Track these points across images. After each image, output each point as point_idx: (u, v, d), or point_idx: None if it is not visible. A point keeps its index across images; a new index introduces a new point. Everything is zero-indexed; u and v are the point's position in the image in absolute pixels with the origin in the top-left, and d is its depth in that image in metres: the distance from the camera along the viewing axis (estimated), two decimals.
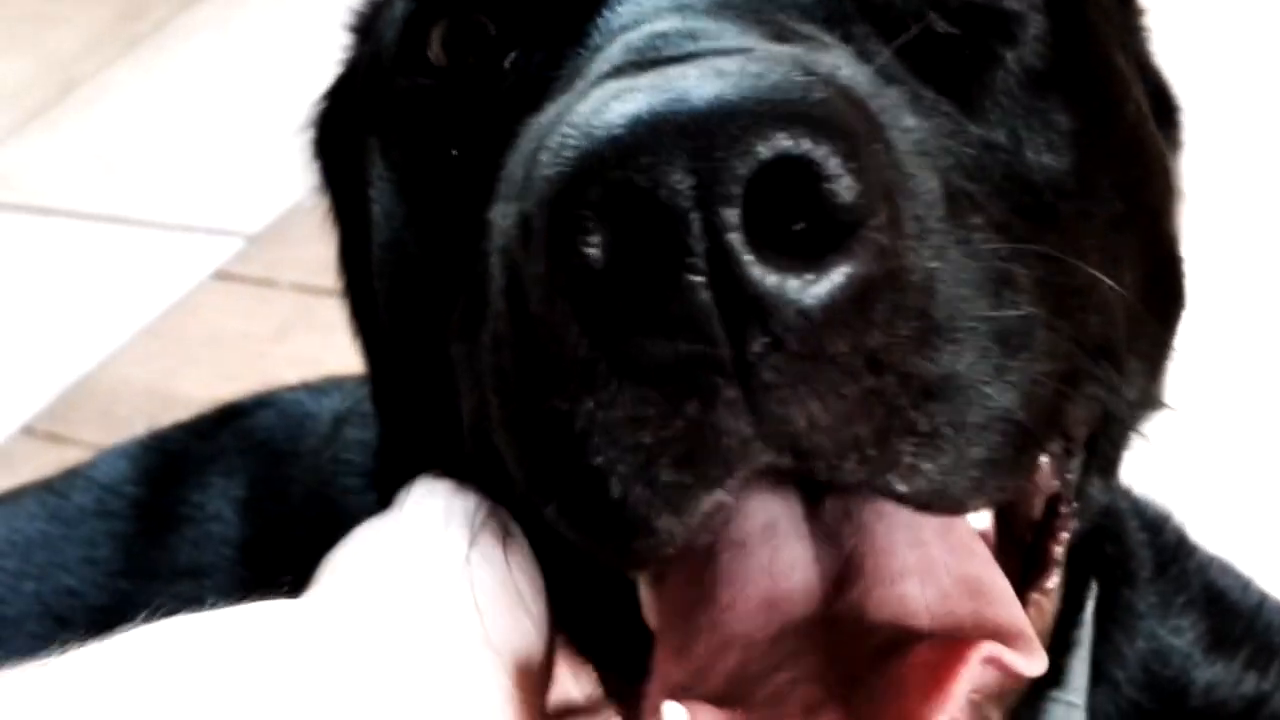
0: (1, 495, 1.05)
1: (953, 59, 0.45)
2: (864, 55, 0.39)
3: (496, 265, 0.36)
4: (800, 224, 0.31)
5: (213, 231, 1.92)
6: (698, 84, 0.30)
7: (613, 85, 0.32)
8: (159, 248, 1.92)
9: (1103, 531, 0.63)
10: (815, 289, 0.31)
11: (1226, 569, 0.72)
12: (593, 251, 0.31)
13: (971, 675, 0.37)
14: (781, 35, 0.36)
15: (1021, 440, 0.38)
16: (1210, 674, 0.65)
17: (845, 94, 0.32)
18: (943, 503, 0.37)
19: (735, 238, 0.30)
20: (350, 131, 0.59)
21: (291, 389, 0.98)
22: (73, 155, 2.19)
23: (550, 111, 0.35)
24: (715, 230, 0.30)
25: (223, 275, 1.83)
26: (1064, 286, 0.42)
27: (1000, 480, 0.39)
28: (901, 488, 0.36)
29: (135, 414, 1.66)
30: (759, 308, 0.30)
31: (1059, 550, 0.48)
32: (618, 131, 0.30)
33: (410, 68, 0.49)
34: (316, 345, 1.65)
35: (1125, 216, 0.49)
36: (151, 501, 0.95)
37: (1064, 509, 0.48)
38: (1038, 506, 0.47)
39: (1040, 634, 0.43)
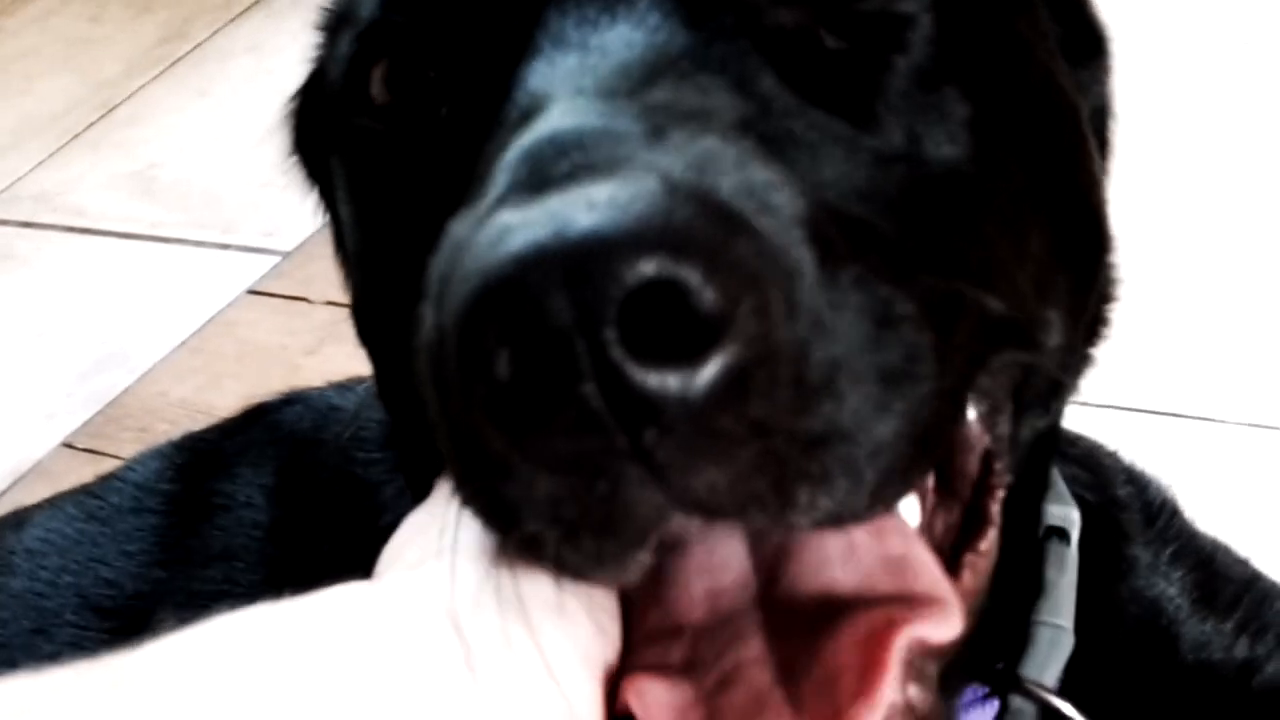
0: (40, 502, 1.08)
1: (843, 72, 0.47)
2: (750, 95, 0.43)
3: (422, 360, 0.40)
4: (673, 330, 0.34)
5: (248, 249, 1.94)
6: (575, 218, 0.34)
7: (505, 216, 0.36)
8: (196, 265, 1.95)
9: (1078, 480, 0.65)
10: (694, 381, 0.35)
11: (1220, 543, 0.73)
12: (498, 368, 0.35)
13: (898, 658, 0.41)
14: (661, 124, 0.39)
15: (915, 451, 0.41)
16: (1199, 631, 0.66)
17: (708, 206, 0.36)
18: (849, 519, 0.40)
19: (616, 351, 0.34)
20: (321, 130, 0.62)
21: (317, 388, 1.01)
22: (112, 174, 2.23)
23: (461, 228, 0.39)
24: (599, 346, 0.34)
25: (258, 291, 1.85)
26: (957, 299, 0.44)
27: (901, 485, 0.41)
28: (805, 520, 0.39)
29: (173, 428, 1.68)
30: (645, 404, 0.35)
31: (995, 509, 0.50)
32: (509, 270, 0.34)
33: (355, 106, 0.52)
34: (349, 359, 1.65)
35: (1032, 184, 0.51)
36: (184, 495, 0.98)
37: (997, 465, 0.50)
38: (972, 463, 0.49)
39: (974, 591, 0.47)
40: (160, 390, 1.73)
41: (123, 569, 0.95)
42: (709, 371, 0.35)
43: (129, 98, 2.42)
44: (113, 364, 1.80)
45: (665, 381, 0.35)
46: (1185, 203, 1.41)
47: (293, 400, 1.00)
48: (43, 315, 1.96)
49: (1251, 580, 0.71)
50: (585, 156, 0.38)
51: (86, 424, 1.72)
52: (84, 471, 1.56)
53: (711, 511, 0.38)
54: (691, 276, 0.34)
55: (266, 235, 1.95)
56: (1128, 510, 0.69)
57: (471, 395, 0.36)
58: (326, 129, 0.59)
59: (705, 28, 0.45)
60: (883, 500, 0.40)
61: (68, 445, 1.70)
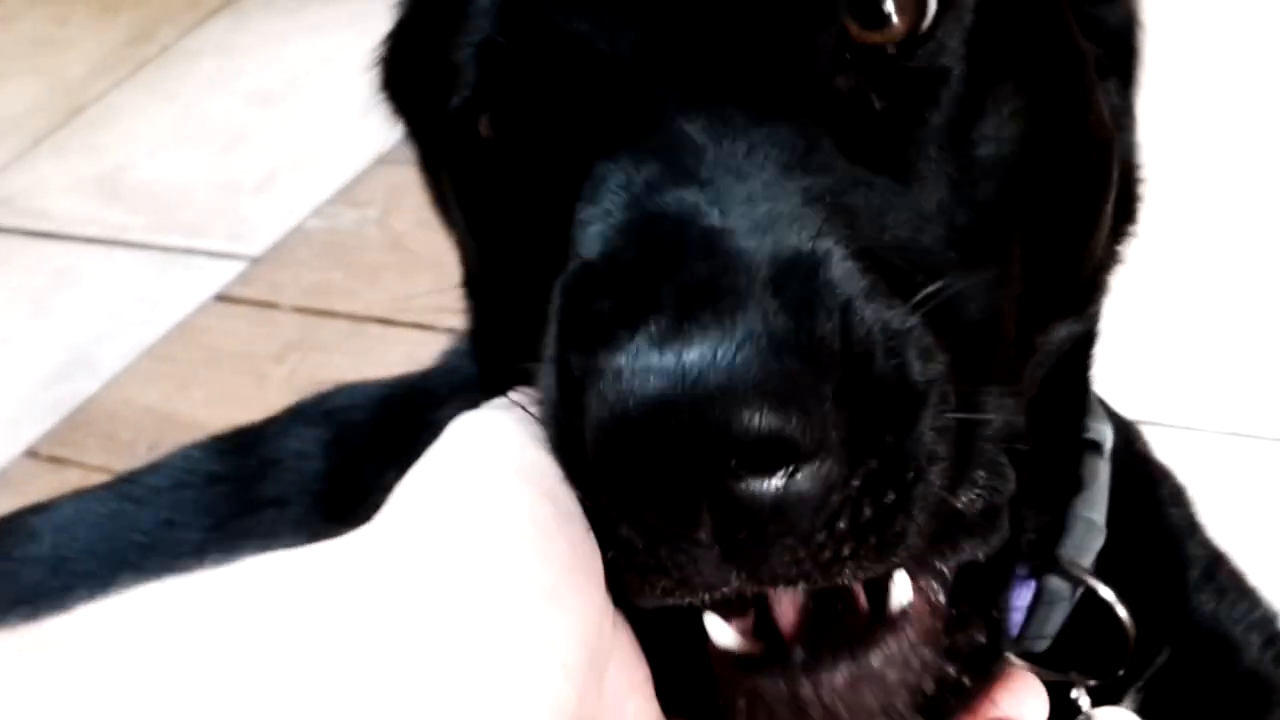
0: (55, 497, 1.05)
1: (885, 131, 0.50)
2: (816, 168, 0.47)
3: (545, 408, 0.46)
4: (772, 458, 0.40)
5: (215, 254, 1.93)
6: (701, 379, 0.40)
7: (632, 359, 0.42)
8: (162, 270, 1.93)
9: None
10: (782, 491, 0.41)
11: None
12: (623, 484, 0.42)
13: None
14: (773, 251, 0.44)
15: (980, 537, 0.48)
16: (1200, 553, 0.74)
17: (806, 362, 0.41)
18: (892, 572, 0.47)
19: (721, 475, 0.41)
20: (413, 82, 0.65)
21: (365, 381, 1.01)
22: (78, 178, 2.21)
23: (583, 336, 0.45)
24: (710, 472, 0.41)
25: (224, 297, 1.83)
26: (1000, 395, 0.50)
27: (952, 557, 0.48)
28: (848, 579, 0.45)
29: (138, 436, 1.67)
30: (739, 508, 0.41)
31: None
32: (642, 420, 0.41)
33: (465, 141, 0.56)
34: (317, 366, 1.65)
35: (1060, 214, 0.55)
36: (231, 469, 0.97)
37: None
38: None
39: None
40: (125, 398, 1.72)
41: (162, 536, 0.94)
42: (795, 482, 0.41)
43: (95, 100, 2.40)
44: (77, 370, 1.78)
45: (758, 489, 0.41)
46: (1166, 214, 1.41)
47: (338, 389, 1.00)
48: (5, 321, 1.94)
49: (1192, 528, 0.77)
50: (700, 291, 0.43)
51: (51, 432, 1.70)
52: (48, 480, 1.55)
53: (772, 582, 0.43)
54: (791, 429, 0.40)
55: (234, 240, 1.93)
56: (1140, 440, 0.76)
57: (591, 479, 0.43)
58: (436, 150, 0.63)
59: (771, 114, 0.48)
60: (934, 568, 0.47)
61: (31, 453, 1.68)
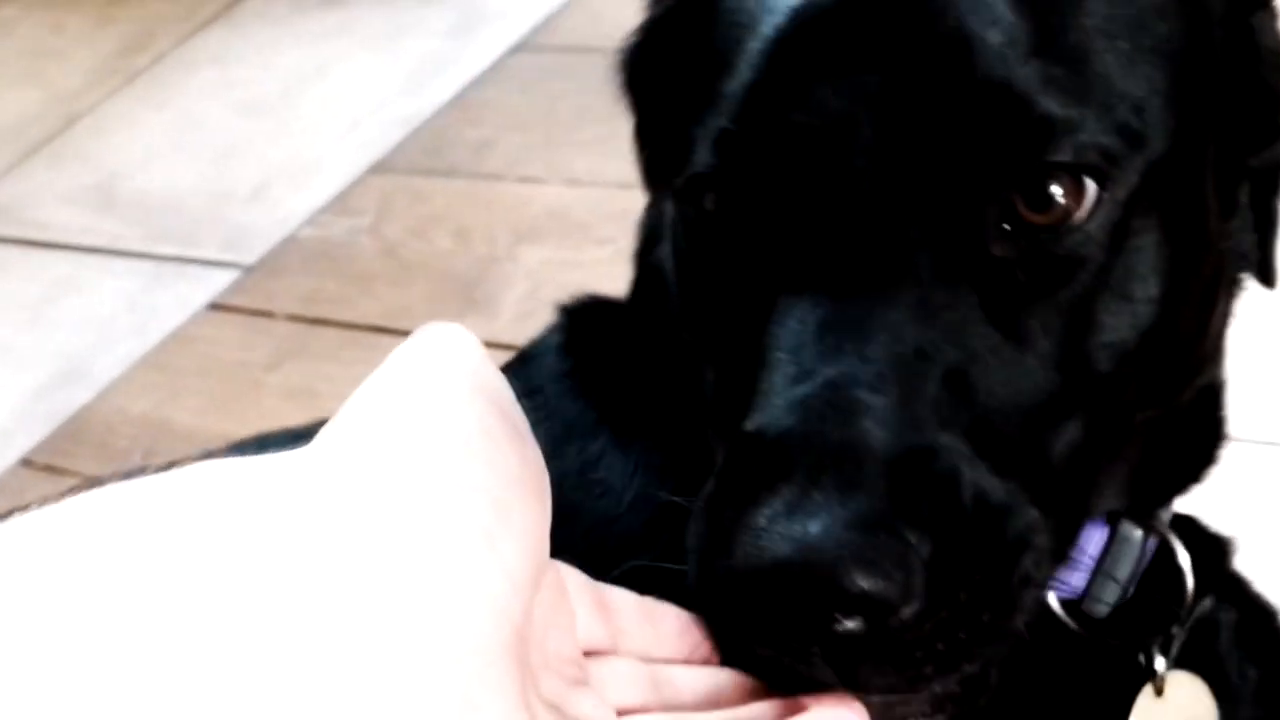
0: None
1: (1023, 302, 0.56)
2: (966, 337, 0.55)
3: (695, 540, 0.55)
4: (867, 610, 0.49)
5: (209, 262, 1.93)
6: (820, 550, 0.49)
7: (766, 520, 0.50)
8: (156, 278, 1.94)
9: None
10: (871, 633, 0.50)
11: None
12: (748, 616, 0.51)
13: None
14: (902, 439, 0.52)
15: None
16: None
17: (900, 522, 0.50)
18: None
19: (827, 621, 0.49)
20: (655, 75, 0.70)
21: None
22: (73, 187, 2.21)
23: (733, 493, 0.53)
24: (818, 619, 0.49)
25: (218, 306, 1.84)
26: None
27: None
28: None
29: (133, 445, 1.67)
30: (840, 643, 0.50)
31: None
32: (765, 575, 0.49)
33: (691, 202, 0.61)
34: (310, 375, 1.66)
35: (1168, 362, 0.62)
36: None
37: None
38: None
39: None
40: (119, 406, 1.72)
41: None
42: (882, 631, 0.49)
43: (90, 110, 2.40)
44: (72, 379, 1.79)
45: (854, 636, 0.49)
46: None
47: None
48: (0, 330, 1.94)
49: None
50: (828, 468, 0.51)
51: (45, 440, 1.71)
52: (43, 489, 1.55)
53: (868, 692, 0.52)
54: (878, 587, 0.49)
55: (228, 249, 1.94)
56: None
57: (728, 605, 0.52)
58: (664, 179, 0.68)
59: (943, 272, 0.55)
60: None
61: (26, 462, 1.69)
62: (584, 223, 1.72)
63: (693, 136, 0.59)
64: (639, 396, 0.73)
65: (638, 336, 0.74)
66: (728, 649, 0.53)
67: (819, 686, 0.52)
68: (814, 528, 0.49)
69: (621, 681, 0.49)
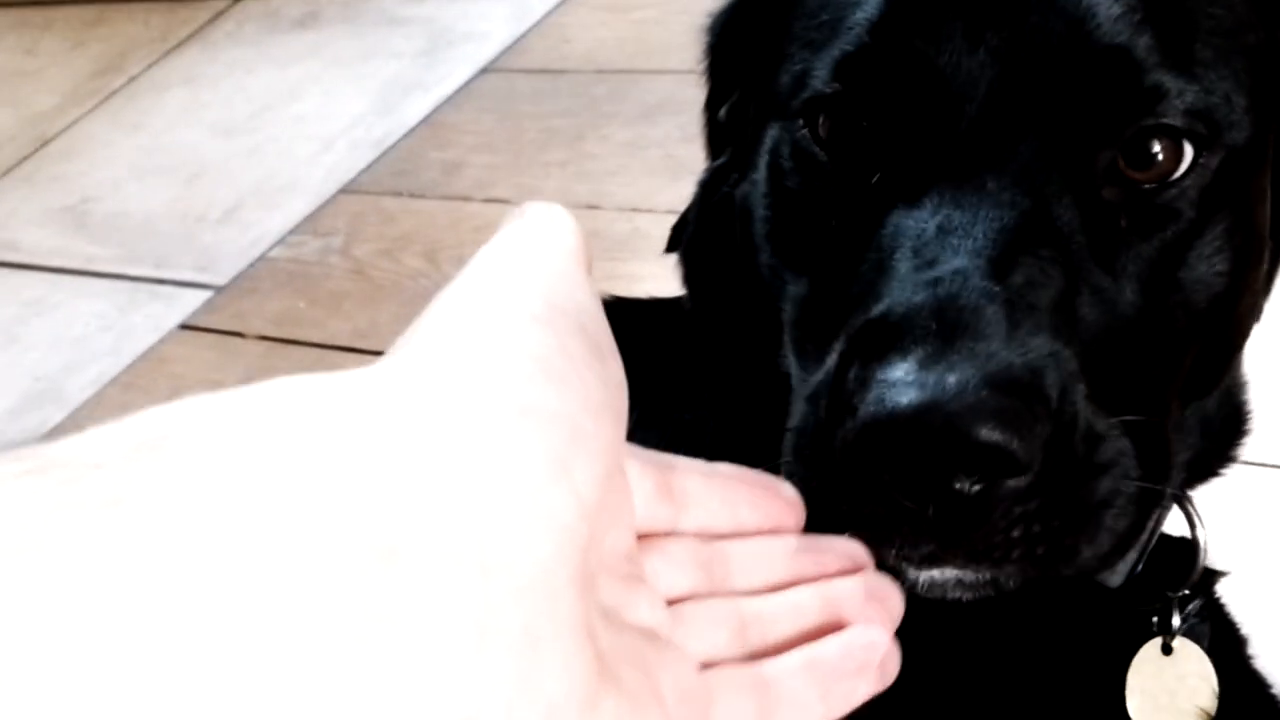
0: None
1: (1122, 246, 0.61)
2: (1069, 265, 0.59)
3: (808, 401, 0.58)
4: (992, 466, 0.51)
5: (180, 284, 1.95)
6: (942, 400, 0.51)
7: (895, 374, 0.52)
8: (128, 300, 1.95)
9: None
10: (995, 493, 0.52)
11: None
12: (875, 456, 0.53)
13: None
14: (1009, 314, 0.55)
15: (1134, 529, 0.58)
16: None
17: (1028, 397, 0.53)
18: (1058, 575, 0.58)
19: (953, 472, 0.52)
20: (749, 46, 0.75)
21: None
22: (45, 209, 2.22)
23: (857, 354, 0.56)
24: (946, 468, 0.51)
25: (190, 326, 1.85)
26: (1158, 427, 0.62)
27: (1114, 555, 0.59)
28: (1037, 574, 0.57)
29: None
30: (956, 498, 0.52)
31: None
32: (896, 425, 0.51)
33: (803, 124, 0.66)
34: None
35: (1225, 323, 0.67)
36: None
37: None
38: None
39: None
40: (92, 427, 1.73)
41: None
42: (1004, 488, 0.52)
43: (63, 131, 2.41)
44: (45, 400, 1.80)
45: (974, 491, 0.51)
46: None
47: None
48: None
49: None
50: (965, 334, 0.54)
51: None
52: None
53: (955, 559, 0.55)
54: (1013, 446, 0.51)
55: (199, 270, 1.95)
56: None
57: (851, 458, 0.54)
58: (769, 101, 0.71)
59: (1054, 199, 0.59)
60: (1102, 564, 0.58)
61: None
62: None
63: (810, 66, 0.65)
64: (677, 382, 0.76)
65: (669, 329, 0.78)
66: (825, 516, 0.53)
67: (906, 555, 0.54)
68: (951, 378, 0.51)
69: (672, 567, 0.48)
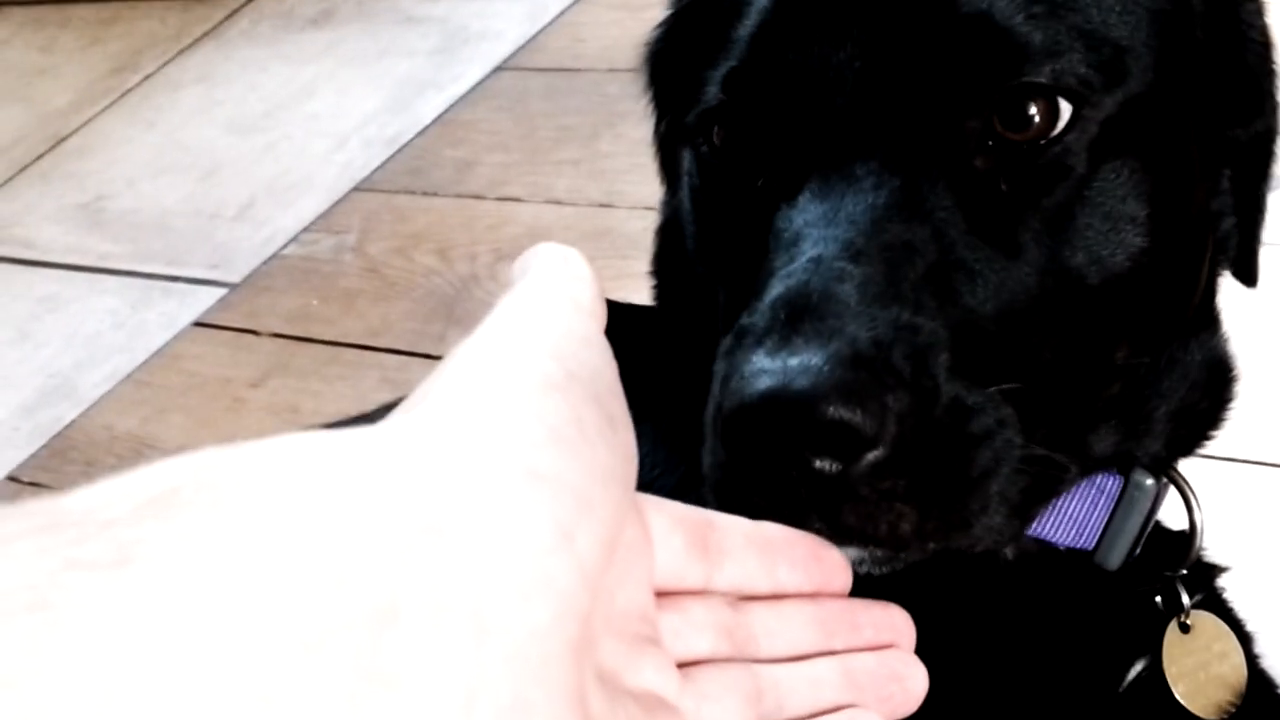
0: None
1: (1005, 210, 0.61)
2: (942, 237, 0.59)
3: (710, 406, 0.59)
4: (846, 441, 0.52)
5: (195, 280, 1.95)
6: (794, 380, 0.52)
7: (757, 363, 0.54)
8: (143, 297, 1.96)
9: None
10: (855, 469, 0.52)
11: None
12: (744, 453, 0.54)
13: None
14: (868, 293, 0.56)
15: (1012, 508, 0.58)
16: None
17: (878, 372, 0.53)
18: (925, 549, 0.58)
19: (809, 456, 0.52)
20: (669, 76, 0.78)
21: None
22: (60, 206, 2.23)
23: (735, 348, 0.57)
24: (798, 448, 0.52)
25: (204, 324, 1.86)
26: (1052, 392, 0.61)
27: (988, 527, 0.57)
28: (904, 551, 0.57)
29: (119, 462, 1.69)
30: (823, 480, 0.53)
31: None
32: (753, 406, 0.53)
33: (701, 137, 0.68)
34: (294, 392, 1.68)
35: (1144, 295, 0.66)
36: None
37: None
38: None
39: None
40: (105, 424, 1.74)
41: None
42: (865, 462, 0.52)
43: (79, 129, 2.42)
44: (59, 397, 1.81)
45: (835, 468, 0.52)
46: None
47: None
48: None
49: None
50: (812, 317, 0.55)
51: (32, 458, 1.72)
52: None
53: (850, 539, 0.54)
54: (857, 420, 0.52)
55: (213, 267, 1.96)
56: None
57: (725, 455, 0.56)
58: (680, 131, 0.74)
59: (921, 176, 0.60)
60: (1002, 534, 0.58)
61: (13, 479, 1.70)
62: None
63: (704, 80, 0.67)
64: (650, 384, 0.77)
65: (647, 331, 0.79)
66: (734, 505, 0.55)
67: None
68: (793, 361, 0.53)
69: (691, 628, 0.47)
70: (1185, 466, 0.75)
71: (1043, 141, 0.61)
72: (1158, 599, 0.75)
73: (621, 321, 0.83)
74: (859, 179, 0.60)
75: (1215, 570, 0.79)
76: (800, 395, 0.52)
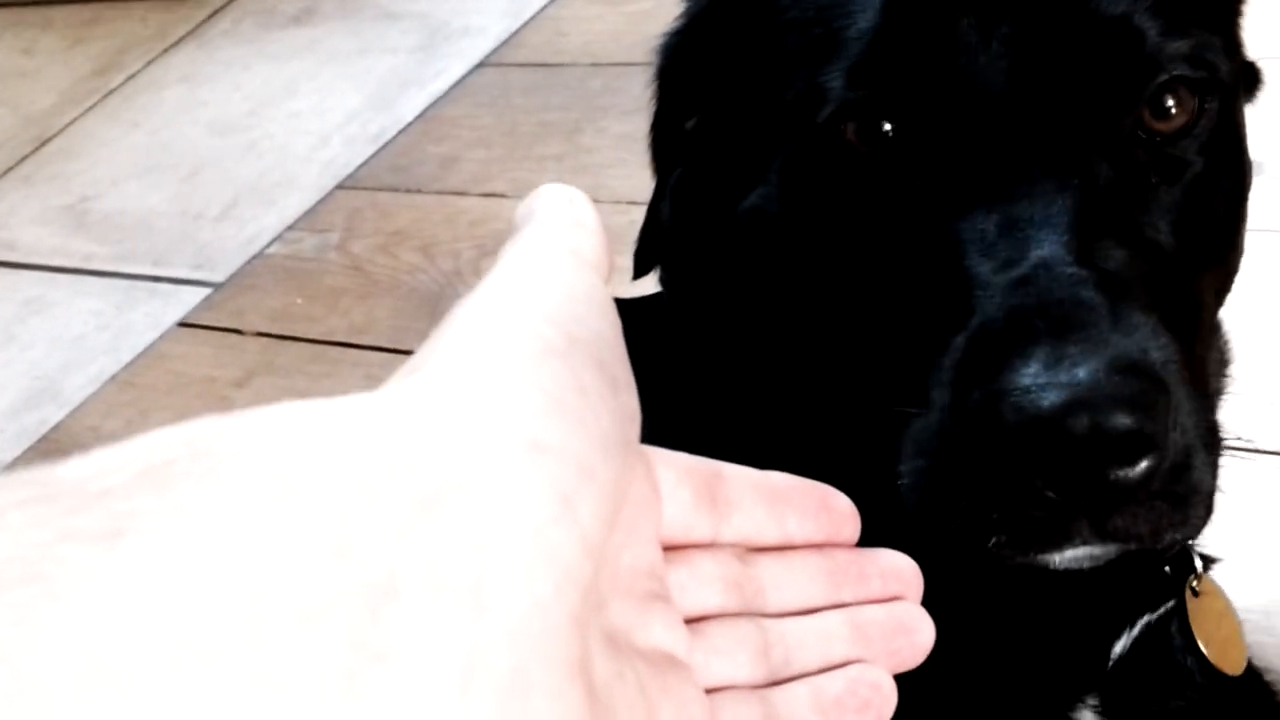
0: None
1: (1151, 198, 0.64)
2: (1126, 239, 0.61)
3: (935, 434, 0.59)
4: (1130, 446, 0.54)
5: (179, 281, 1.95)
6: (1095, 392, 0.53)
7: (1037, 376, 0.54)
8: (127, 297, 1.96)
9: None
10: (1134, 473, 0.54)
11: None
12: (1039, 455, 0.55)
13: None
14: (1108, 300, 0.57)
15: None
16: None
17: (1152, 380, 0.55)
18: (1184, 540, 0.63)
19: (1111, 466, 0.54)
20: (694, 70, 0.77)
21: None
22: (44, 208, 2.23)
23: (982, 367, 0.58)
24: (1095, 467, 0.54)
25: (188, 324, 1.86)
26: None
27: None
28: (1164, 544, 0.59)
29: None
30: (1114, 488, 0.54)
31: None
32: (1039, 434, 0.53)
33: (830, 136, 0.66)
34: (279, 391, 1.68)
35: (1230, 264, 0.71)
36: None
37: None
38: None
39: None
40: (91, 425, 1.74)
41: None
42: (1143, 466, 0.54)
43: (62, 130, 2.42)
44: (44, 399, 1.81)
45: (1117, 474, 0.54)
46: None
47: None
48: None
49: None
50: (1074, 327, 0.56)
51: (18, 459, 1.72)
52: None
53: (1114, 540, 0.57)
54: (1146, 425, 0.53)
55: (197, 267, 1.96)
56: None
57: (978, 477, 0.57)
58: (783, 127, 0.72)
59: (1097, 176, 0.62)
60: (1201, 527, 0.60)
61: None
62: None
63: (822, 79, 0.65)
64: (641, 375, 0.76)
65: (635, 322, 0.79)
66: (967, 532, 0.57)
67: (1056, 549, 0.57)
68: (1081, 373, 0.53)
69: (700, 583, 0.46)
70: None
71: (1183, 131, 0.64)
72: (1165, 567, 0.77)
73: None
74: (1041, 181, 0.61)
75: (1209, 562, 0.81)
76: (1100, 406, 0.53)
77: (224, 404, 1.68)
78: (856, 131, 0.65)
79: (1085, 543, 0.57)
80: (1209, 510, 0.59)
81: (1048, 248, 0.59)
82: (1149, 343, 0.57)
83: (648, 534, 0.45)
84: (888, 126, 0.64)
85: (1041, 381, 0.54)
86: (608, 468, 0.40)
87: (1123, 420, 0.53)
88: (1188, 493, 0.57)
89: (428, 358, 0.40)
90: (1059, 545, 0.58)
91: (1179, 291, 0.63)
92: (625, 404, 0.43)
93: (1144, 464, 0.54)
